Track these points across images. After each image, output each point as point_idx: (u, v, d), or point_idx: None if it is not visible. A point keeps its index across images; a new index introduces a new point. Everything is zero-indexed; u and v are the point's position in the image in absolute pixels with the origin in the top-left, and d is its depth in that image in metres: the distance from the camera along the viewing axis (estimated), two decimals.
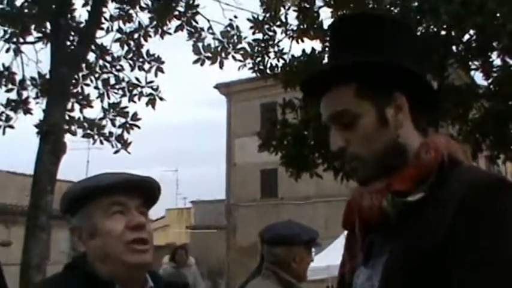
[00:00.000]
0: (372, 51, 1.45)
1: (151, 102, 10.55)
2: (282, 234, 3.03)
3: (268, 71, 9.97)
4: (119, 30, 10.54)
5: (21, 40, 9.99)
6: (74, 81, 9.90)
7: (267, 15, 9.77)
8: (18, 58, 10.08)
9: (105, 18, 10.26)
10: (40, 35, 9.86)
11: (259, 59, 10.00)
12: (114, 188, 1.73)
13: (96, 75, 10.61)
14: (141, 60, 10.64)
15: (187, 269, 9.81)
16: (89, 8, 9.82)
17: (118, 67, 10.71)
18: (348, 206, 1.54)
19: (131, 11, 10.49)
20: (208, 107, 73.84)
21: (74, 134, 10.20)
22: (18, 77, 10.15)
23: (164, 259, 10.26)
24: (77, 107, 10.30)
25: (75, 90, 10.20)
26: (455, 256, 1.25)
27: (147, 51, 10.64)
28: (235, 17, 10.58)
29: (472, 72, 9.43)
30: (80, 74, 10.29)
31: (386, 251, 1.37)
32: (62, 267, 1.83)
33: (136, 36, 10.62)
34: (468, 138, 8.61)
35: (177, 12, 10.38)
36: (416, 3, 8.20)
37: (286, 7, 9.68)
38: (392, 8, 8.35)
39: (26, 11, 9.52)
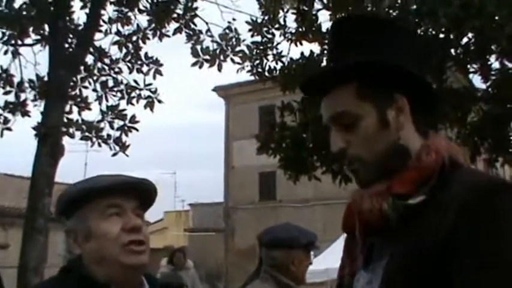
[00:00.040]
0: (372, 52, 1.44)
1: (150, 104, 10.54)
2: (281, 237, 3.03)
3: (266, 73, 9.96)
4: (118, 32, 10.54)
5: (20, 42, 9.97)
6: (72, 83, 9.88)
7: (266, 17, 9.77)
8: (17, 60, 10.08)
9: (104, 21, 10.26)
10: (38, 37, 9.86)
11: (257, 61, 9.99)
12: (111, 190, 1.72)
13: (95, 77, 10.60)
14: (139, 62, 10.63)
15: (185, 272, 9.80)
16: (87, 10, 9.81)
17: (116, 69, 10.70)
18: (348, 208, 1.53)
19: (130, 14, 10.50)
20: (206, 109, 73.78)
21: (72, 136, 10.18)
22: (16, 79, 10.15)
23: (162, 262, 10.25)
24: (75, 109, 10.29)
25: (73, 93, 10.19)
26: (456, 258, 1.24)
27: (146, 53, 10.64)
28: (234, 19, 10.61)
29: (471, 75, 9.44)
30: (78, 77, 10.28)
31: (387, 254, 1.36)
32: (59, 270, 1.82)
33: (134, 38, 10.62)
34: (466, 141, 8.60)
35: (175, 15, 10.39)
36: (414, 6, 8.20)
37: (285, 10, 9.67)
38: (391, 11, 8.35)
39: (24, 13, 9.51)
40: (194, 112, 74.33)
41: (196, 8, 10.39)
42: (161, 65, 10.64)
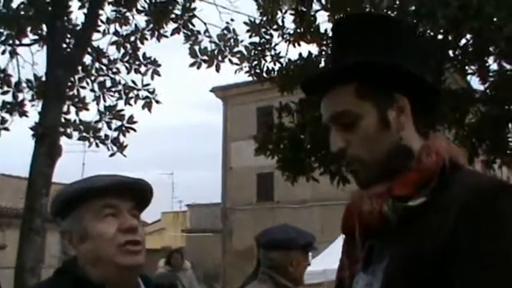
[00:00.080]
0: (373, 52, 1.44)
1: (148, 105, 10.53)
2: (279, 238, 3.02)
3: (264, 74, 9.95)
4: (116, 32, 10.52)
5: (17, 42, 9.96)
6: (69, 83, 9.87)
7: (264, 18, 9.76)
8: (14, 60, 10.06)
9: (102, 21, 10.24)
10: (36, 37, 9.84)
11: (255, 62, 9.97)
12: (106, 190, 1.70)
13: (92, 77, 10.58)
14: (137, 63, 10.61)
15: (182, 273, 9.79)
16: (85, 10, 9.81)
17: (114, 70, 10.69)
18: (347, 210, 1.52)
19: (128, 14, 10.48)
20: (204, 110, 73.83)
21: (69, 136, 10.16)
22: (14, 79, 10.12)
23: (160, 263, 10.24)
24: (72, 109, 10.26)
25: (71, 93, 10.16)
26: (457, 260, 1.24)
27: (144, 54, 10.63)
28: (232, 20, 10.61)
29: (469, 77, 9.42)
30: (76, 77, 10.26)
31: (387, 256, 1.35)
32: (54, 271, 1.81)
33: (132, 39, 10.60)
34: (464, 142, 8.59)
35: (173, 15, 10.37)
36: (413, 7, 8.19)
37: (283, 11, 9.66)
38: (389, 12, 8.34)
39: (22, 13, 9.50)
40: (192, 113, 74.29)
41: (194, 9, 10.39)
42: (159, 65, 10.64)
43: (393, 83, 1.43)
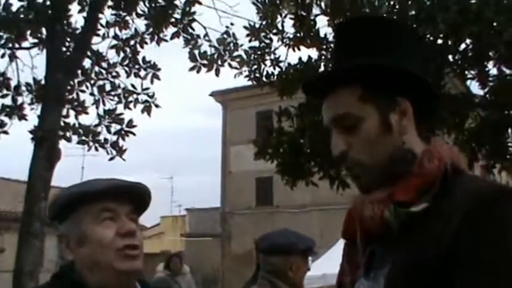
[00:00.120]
0: (375, 54, 1.43)
1: (147, 109, 10.53)
2: (279, 243, 3.01)
3: (264, 78, 9.94)
4: (115, 36, 10.53)
5: (17, 45, 9.95)
6: (69, 87, 9.86)
7: (264, 22, 9.75)
8: (14, 64, 10.05)
9: (101, 25, 10.24)
10: (36, 40, 9.83)
11: (255, 66, 9.97)
12: (104, 194, 1.69)
13: (92, 81, 10.58)
14: (137, 67, 10.62)
15: (181, 277, 9.77)
16: (85, 14, 9.80)
17: (114, 74, 10.69)
18: (349, 214, 1.50)
19: (127, 18, 10.48)
20: (203, 114, 73.78)
21: (68, 140, 10.16)
22: (13, 83, 10.12)
23: (159, 267, 10.22)
24: (72, 113, 10.27)
25: (70, 97, 10.17)
26: (458, 266, 1.23)
27: (143, 58, 10.63)
28: (232, 24, 10.60)
29: (468, 82, 9.43)
30: (76, 80, 10.26)
31: (388, 262, 1.33)
32: (51, 276, 1.79)
33: (132, 42, 10.61)
34: (464, 147, 8.58)
35: (173, 19, 10.37)
36: (413, 12, 8.19)
37: (283, 15, 9.66)
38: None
39: (21, 16, 9.49)
40: (191, 117, 74.40)
41: (194, 13, 10.38)
42: (159, 69, 10.64)
43: (396, 85, 1.42)
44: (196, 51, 10.43)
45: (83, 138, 10.31)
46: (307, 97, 7.08)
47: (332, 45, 8.57)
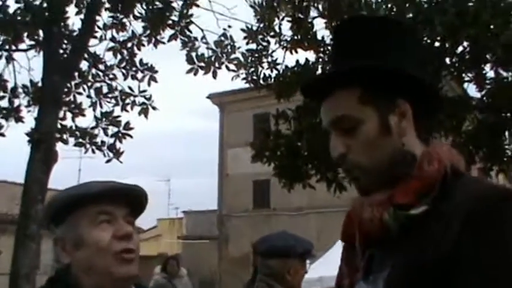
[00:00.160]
0: (374, 55, 1.41)
1: (144, 111, 10.52)
2: (277, 246, 3.00)
3: (261, 81, 9.95)
4: (112, 39, 10.51)
5: (14, 47, 9.93)
6: (66, 89, 9.85)
7: (261, 25, 9.76)
8: (10, 65, 10.03)
9: (99, 27, 10.23)
10: (33, 42, 9.82)
11: (252, 69, 9.98)
12: (101, 197, 1.67)
13: (89, 83, 10.56)
14: (134, 69, 10.59)
15: (178, 280, 9.75)
16: (82, 16, 9.79)
17: (111, 76, 10.67)
18: (348, 217, 1.49)
19: (125, 20, 10.46)
20: (201, 117, 73.81)
21: (65, 142, 10.14)
22: (10, 85, 10.09)
23: (156, 270, 10.20)
24: (69, 115, 10.25)
25: (67, 99, 10.15)
26: (459, 270, 1.21)
27: (140, 60, 10.61)
28: (229, 26, 10.59)
29: (465, 84, 9.44)
30: (73, 83, 10.24)
31: (388, 265, 1.32)
32: (46, 280, 1.78)
33: (129, 45, 10.59)
34: (461, 150, 8.58)
35: (170, 22, 10.36)
36: (410, 14, 8.21)
37: (280, 17, 9.67)
38: None
39: (18, 18, 9.47)
40: (188, 119, 74.32)
41: (191, 15, 10.38)
42: (156, 71, 10.62)
43: (395, 87, 1.40)
44: (193, 54, 10.43)
45: (80, 140, 10.28)
46: (305, 100, 7.09)
47: (329, 47, 8.58)
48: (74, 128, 10.28)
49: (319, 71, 9.25)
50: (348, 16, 8.47)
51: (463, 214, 1.24)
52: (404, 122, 1.41)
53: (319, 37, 9.32)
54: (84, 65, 10.31)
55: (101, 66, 10.61)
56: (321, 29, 9.52)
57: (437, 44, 8.32)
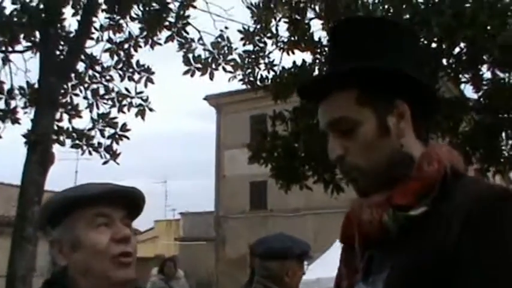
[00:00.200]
0: (372, 56, 1.40)
1: (141, 113, 10.50)
2: (275, 248, 2.99)
3: (258, 82, 9.95)
4: (109, 40, 10.49)
5: (10, 49, 9.92)
6: (62, 91, 9.82)
7: (258, 26, 9.76)
8: (7, 67, 10.00)
9: (95, 28, 10.21)
10: (29, 44, 9.80)
11: (249, 70, 9.98)
12: (99, 199, 1.66)
13: (86, 85, 10.54)
14: (130, 70, 10.57)
15: (175, 282, 9.75)
16: (78, 17, 9.77)
17: (108, 77, 10.65)
18: (347, 218, 1.48)
19: (121, 21, 10.44)
20: (197, 118, 73.64)
21: (62, 144, 10.12)
22: (6, 86, 10.07)
23: (153, 271, 10.19)
24: (65, 117, 10.22)
25: (64, 100, 10.12)
26: (459, 271, 1.21)
27: (137, 61, 10.59)
28: (226, 28, 10.58)
29: (462, 85, 9.45)
30: (69, 84, 10.21)
31: (387, 267, 1.31)
32: (42, 282, 1.76)
33: (126, 46, 10.56)
34: (458, 151, 8.58)
35: (167, 23, 10.35)
36: (407, 15, 8.22)
37: (277, 19, 9.67)
38: None
39: (15, 19, 9.45)
40: (185, 121, 74.23)
41: (188, 16, 10.36)
42: (153, 73, 10.61)
43: (393, 88, 1.39)
44: (190, 55, 10.42)
45: (77, 142, 10.26)
46: (302, 101, 7.08)
47: (326, 48, 8.58)
48: (70, 129, 10.26)
49: (316, 72, 9.25)
50: (344, 17, 8.49)
51: (463, 215, 1.23)
52: (402, 123, 1.40)
53: (316, 38, 9.33)
54: (80, 66, 10.30)
55: (98, 68, 10.59)
56: (317, 30, 9.56)
57: (434, 45, 8.33)
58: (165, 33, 10.41)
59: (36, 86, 9.64)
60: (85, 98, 10.51)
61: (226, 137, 27.90)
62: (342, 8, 8.56)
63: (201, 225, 29.67)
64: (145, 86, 10.57)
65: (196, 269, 24.78)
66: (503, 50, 7.47)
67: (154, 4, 10.22)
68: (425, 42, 8.18)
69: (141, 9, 10.27)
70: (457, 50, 8.44)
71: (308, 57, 9.56)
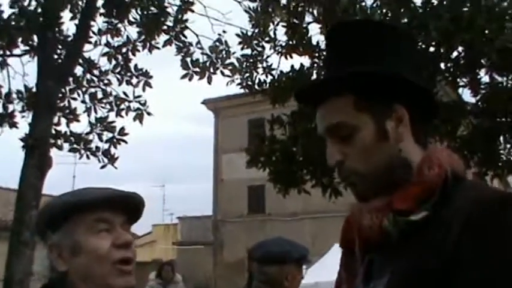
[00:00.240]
0: (369, 60, 1.39)
1: (139, 117, 10.49)
2: (273, 252, 2.97)
3: (256, 86, 9.95)
4: (107, 44, 10.50)
5: (8, 53, 9.92)
6: (60, 95, 9.82)
7: (256, 30, 9.77)
8: (5, 71, 10.03)
9: (93, 32, 10.22)
10: (27, 48, 9.81)
11: (247, 74, 9.98)
12: (100, 204, 1.65)
13: (84, 89, 10.55)
14: (129, 74, 10.58)
15: (173, 286, 9.73)
16: (76, 21, 9.78)
17: (105, 81, 10.66)
18: (347, 222, 1.48)
19: (119, 25, 10.45)
20: (195, 122, 73.66)
21: (60, 148, 10.11)
22: (4, 90, 10.08)
23: (150, 275, 10.17)
24: (63, 121, 10.23)
25: (61, 104, 10.12)
26: (460, 275, 1.20)
27: (135, 65, 10.60)
28: (224, 32, 10.59)
29: (460, 89, 9.46)
30: (67, 88, 10.22)
31: (388, 271, 1.30)
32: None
33: (124, 50, 10.58)
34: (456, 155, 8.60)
35: (165, 27, 10.36)
36: (405, 19, 8.22)
37: (275, 23, 9.67)
38: None
39: (13, 23, 9.46)
40: (183, 125, 74.24)
41: (186, 20, 10.38)
42: (151, 77, 10.61)
43: (391, 92, 1.38)
44: (188, 59, 10.42)
45: (75, 146, 10.26)
46: (300, 105, 7.08)
47: (324, 52, 8.58)
48: (68, 133, 10.26)
49: (314, 76, 9.26)
50: (341, 19, 8.50)
51: (463, 218, 1.22)
52: (401, 127, 1.39)
53: (314, 42, 9.33)
54: (78, 70, 10.32)
55: (96, 72, 10.60)
56: (315, 34, 9.54)
57: (432, 49, 8.33)
58: (163, 37, 10.44)
59: (34, 89, 9.64)
60: (83, 102, 10.53)
61: (224, 141, 27.90)
62: (340, 12, 8.56)
63: (199, 229, 29.64)
64: (143, 90, 10.59)
65: (194, 273, 24.73)
66: (501, 54, 7.48)
67: (152, 8, 10.23)
68: (423, 46, 8.18)
69: (139, 13, 10.28)
70: (455, 54, 8.46)
71: (306, 61, 9.58)
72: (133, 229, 1.80)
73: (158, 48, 10.51)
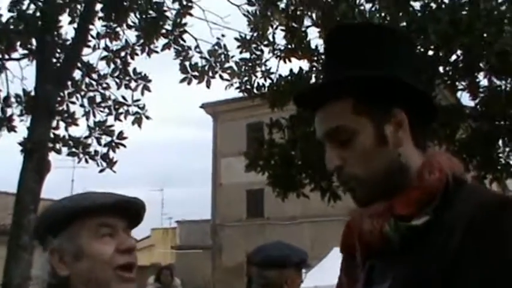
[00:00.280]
0: (368, 64, 1.38)
1: (138, 121, 10.48)
2: (273, 256, 2.96)
3: (255, 90, 9.94)
4: (106, 48, 10.49)
5: (6, 56, 9.91)
6: (59, 98, 9.81)
7: (255, 34, 9.77)
8: (3, 75, 9.99)
9: (92, 36, 10.20)
10: (26, 51, 9.79)
11: (246, 78, 9.98)
12: (103, 208, 1.65)
13: (82, 93, 10.53)
14: (127, 78, 10.57)
15: None
16: (75, 25, 9.77)
17: (104, 85, 10.64)
18: (347, 226, 1.47)
19: (118, 29, 10.45)
20: (194, 126, 73.63)
21: (58, 152, 10.10)
22: (2, 94, 10.06)
23: (149, 280, 10.18)
24: (62, 124, 10.20)
25: (60, 108, 10.11)
26: (461, 281, 1.19)
27: (134, 69, 10.59)
28: (223, 35, 10.58)
29: (459, 93, 9.46)
30: (66, 92, 10.20)
31: (389, 277, 1.30)
32: None
33: (123, 54, 10.57)
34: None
35: (164, 31, 10.35)
36: (404, 23, 8.22)
37: (274, 26, 9.68)
38: None
39: (11, 27, 9.44)
40: (182, 129, 74.23)
41: (185, 24, 10.37)
42: (149, 81, 10.60)
43: (390, 96, 1.38)
44: (187, 63, 10.41)
45: (73, 150, 10.24)
46: (299, 109, 7.08)
47: (323, 56, 8.59)
48: (67, 137, 10.24)
49: (313, 80, 9.25)
50: (340, 23, 8.50)
51: (465, 221, 1.22)
52: (400, 132, 1.38)
53: (312, 46, 9.33)
54: (77, 74, 10.31)
55: (94, 76, 10.59)
56: (314, 38, 9.56)
57: (430, 52, 8.33)
58: (162, 41, 10.43)
59: (32, 93, 9.62)
60: (81, 105, 10.52)
61: (223, 145, 27.90)
62: (339, 15, 8.56)
63: (198, 233, 29.64)
64: (142, 93, 10.58)
65: (193, 277, 24.70)
66: (500, 57, 7.48)
67: (151, 12, 10.23)
68: (422, 49, 8.18)
69: (138, 17, 10.27)
70: (453, 57, 8.45)
71: (305, 65, 9.57)
72: (131, 233, 1.80)
73: (157, 52, 10.51)
